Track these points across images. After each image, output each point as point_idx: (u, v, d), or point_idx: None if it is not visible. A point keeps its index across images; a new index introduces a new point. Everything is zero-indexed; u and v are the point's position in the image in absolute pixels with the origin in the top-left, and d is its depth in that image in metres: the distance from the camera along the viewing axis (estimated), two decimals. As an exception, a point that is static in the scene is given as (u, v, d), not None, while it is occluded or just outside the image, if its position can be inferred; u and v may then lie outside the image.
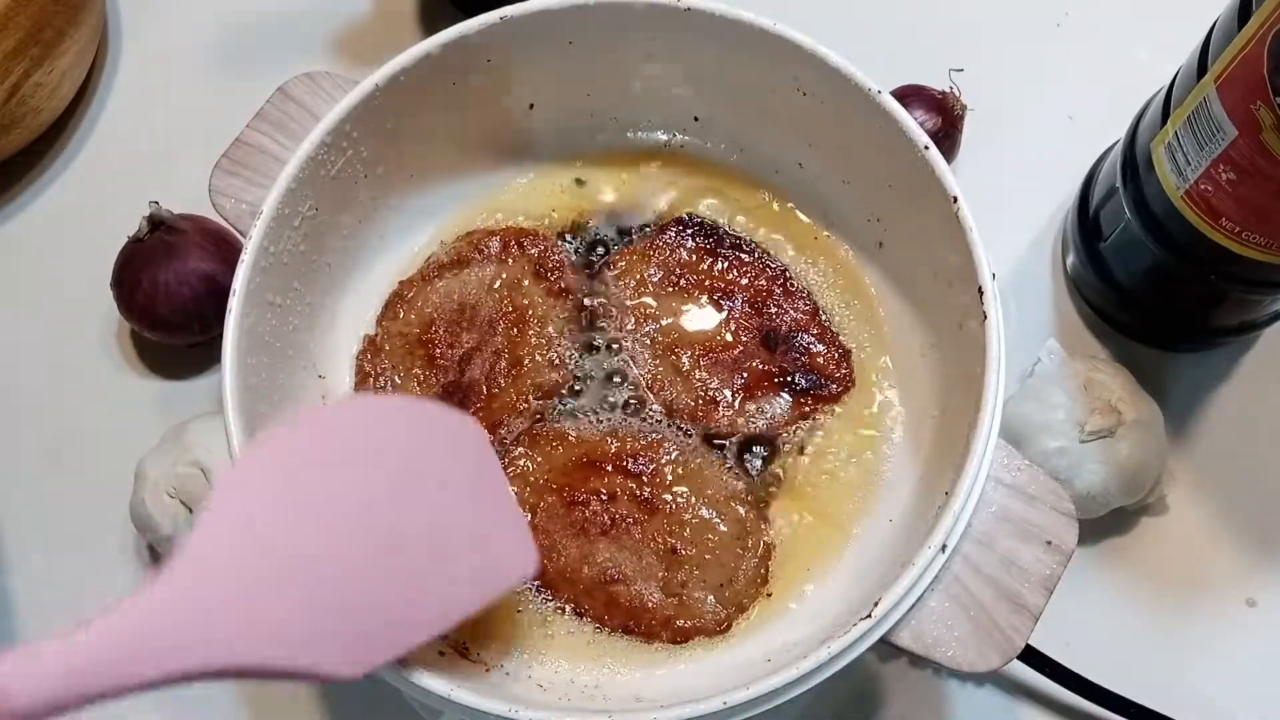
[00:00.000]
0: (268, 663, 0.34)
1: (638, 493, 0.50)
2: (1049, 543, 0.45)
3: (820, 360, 0.54)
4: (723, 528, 0.50)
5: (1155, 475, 0.55)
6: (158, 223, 0.58)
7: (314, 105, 0.53)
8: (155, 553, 0.58)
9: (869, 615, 0.41)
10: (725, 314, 0.54)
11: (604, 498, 0.50)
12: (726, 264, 0.55)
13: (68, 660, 0.31)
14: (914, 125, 0.48)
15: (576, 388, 0.54)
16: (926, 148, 0.48)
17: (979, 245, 0.46)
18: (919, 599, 0.43)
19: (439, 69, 0.51)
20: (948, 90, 0.64)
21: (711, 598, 0.49)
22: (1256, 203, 0.47)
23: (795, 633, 0.47)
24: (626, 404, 0.53)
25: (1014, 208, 0.64)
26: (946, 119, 0.62)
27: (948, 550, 0.42)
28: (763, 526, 0.50)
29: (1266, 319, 0.58)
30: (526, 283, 0.55)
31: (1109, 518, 0.56)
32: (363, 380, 0.54)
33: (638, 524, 0.50)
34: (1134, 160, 0.54)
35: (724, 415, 0.52)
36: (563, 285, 0.55)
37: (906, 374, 0.53)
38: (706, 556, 0.49)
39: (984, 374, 0.44)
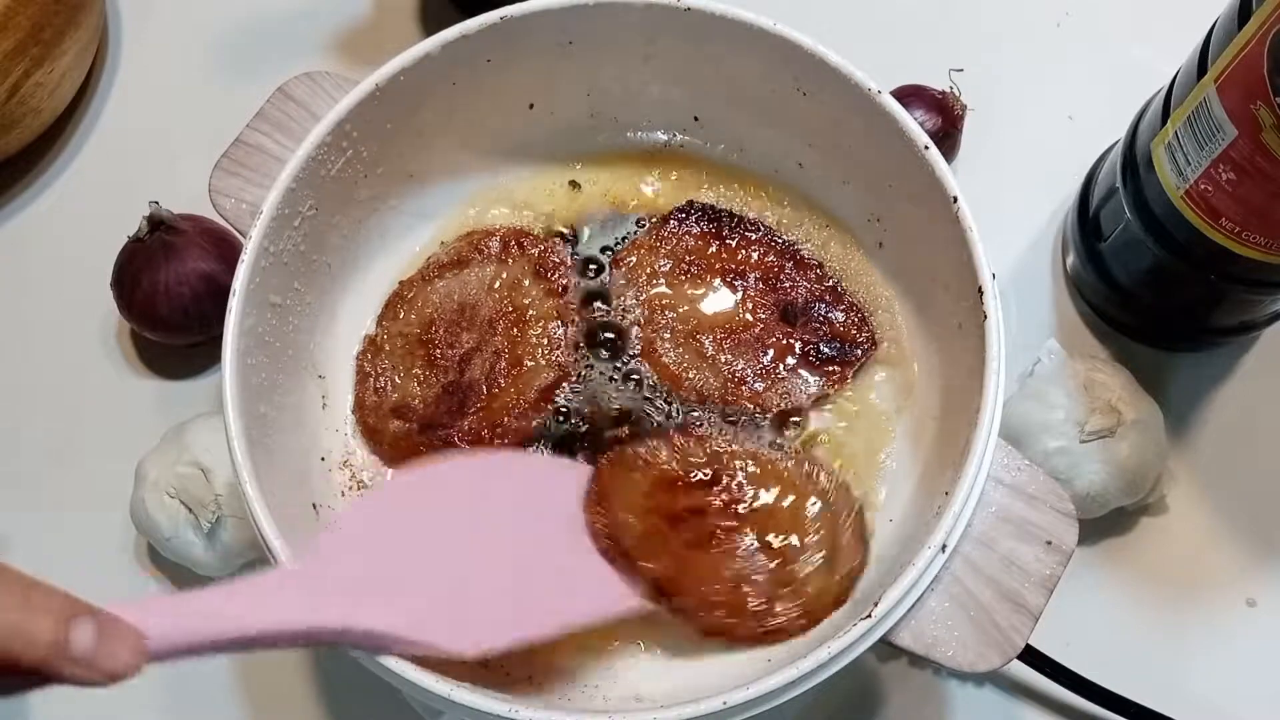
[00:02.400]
0: (390, 630, 0.40)
1: (724, 501, 0.49)
2: (1049, 543, 0.45)
3: (841, 327, 0.54)
4: (812, 508, 0.49)
5: (1155, 475, 0.55)
6: (158, 223, 0.58)
7: (314, 105, 0.53)
8: (155, 553, 0.58)
9: (869, 615, 0.41)
10: (741, 294, 0.55)
11: (698, 512, 0.49)
12: (735, 244, 0.56)
13: (214, 606, 0.36)
14: (914, 125, 0.48)
15: (581, 386, 0.54)
16: (926, 148, 0.48)
17: (979, 245, 0.46)
18: (919, 599, 0.43)
19: (439, 69, 0.51)
20: (948, 90, 0.64)
21: (823, 575, 0.48)
22: (1256, 203, 0.47)
23: (795, 633, 0.47)
24: (646, 393, 0.53)
25: (1014, 208, 0.64)
26: (946, 119, 0.62)
27: (948, 550, 0.42)
28: (849, 491, 0.50)
29: (1266, 319, 0.58)
30: (526, 283, 0.55)
31: (1109, 518, 0.56)
32: (363, 380, 0.54)
33: (736, 530, 0.49)
34: (1134, 160, 0.54)
35: (752, 394, 0.53)
36: (563, 285, 0.55)
37: (906, 375, 0.53)
38: (806, 538, 0.48)
39: (984, 374, 0.44)
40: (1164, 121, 0.51)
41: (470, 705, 0.41)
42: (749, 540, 0.48)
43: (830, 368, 0.53)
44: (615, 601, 0.46)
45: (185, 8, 0.72)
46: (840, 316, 0.54)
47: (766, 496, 0.49)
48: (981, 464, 0.43)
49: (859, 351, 0.53)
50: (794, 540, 0.48)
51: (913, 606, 0.43)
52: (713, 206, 0.56)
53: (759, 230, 0.56)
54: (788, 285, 0.55)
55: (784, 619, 0.47)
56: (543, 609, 0.44)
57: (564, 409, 0.53)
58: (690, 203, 0.57)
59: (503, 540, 0.46)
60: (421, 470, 0.47)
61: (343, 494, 0.52)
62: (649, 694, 0.47)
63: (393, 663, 0.41)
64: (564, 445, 0.52)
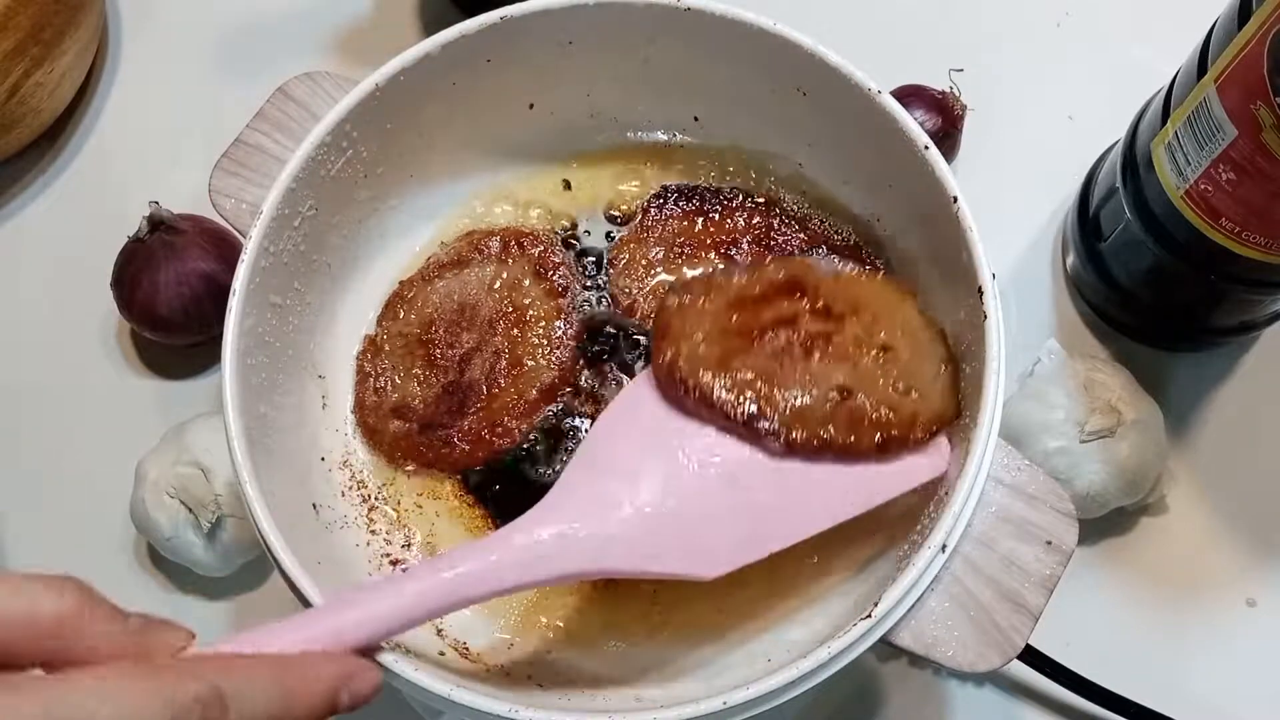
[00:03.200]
0: (639, 567, 0.42)
1: (814, 307, 0.45)
2: (1049, 543, 0.45)
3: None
4: (915, 324, 0.46)
5: (1155, 475, 0.55)
6: (158, 223, 0.58)
7: (314, 105, 0.53)
8: (155, 553, 0.58)
9: (869, 615, 0.41)
10: (738, 261, 0.55)
11: (788, 322, 0.45)
12: (719, 216, 0.56)
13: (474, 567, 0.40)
14: (914, 125, 0.48)
15: (585, 386, 0.54)
16: (926, 148, 0.48)
17: (979, 245, 0.46)
18: (919, 599, 0.43)
19: (439, 69, 0.51)
20: (948, 90, 0.64)
21: (938, 385, 0.45)
22: (1256, 203, 0.47)
23: (795, 633, 0.47)
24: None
25: (1014, 208, 0.64)
26: (946, 119, 0.62)
27: (948, 550, 0.42)
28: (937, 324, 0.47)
29: (1266, 319, 0.58)
30: (527, 283, 0.55)
31: (1109, 518, 0.56)
32: (363, 380, 0.54)
33: (835, 335, 0.45)
34: (1134, 160, 0.54)
35: None
36: (563, 285, 0.55)
37: (906, 374, 0.53)
38: (914, 350, 0.45)
39: (984, 374, 0.44)
40: (1164, 121, 0.51)
41: (470, 705, 0.41)
42: (852, 342, 0.44)
43: None
44: (841, 509, 0.43)
45: (185, 8, 0.72)
46: (836, 256, 0.54)
47: (862, 298, 0.46)
48: (981, 464, 0.43)
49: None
50: (902, 346, 0.45)
51: (913, 606, 0.43)
52: (687, 185, 0.57)
53: (737, 197, 0.56)
54: (781, 240, 0.55)
55: (909, 422, 0.44)
56: (772, 522, 0.43)
57: (568, 408, 0.53)
58: (665, 187, 0.57)
59: (704, 461, 0.44)
60: (613, 410, 0.46)
61: (342, 494, 0.52)
62: (649, 694, 0.47)
63: (392, 663, 0.41)
64: (569, 440, 0.52)
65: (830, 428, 0.43)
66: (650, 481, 0.43)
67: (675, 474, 0.43)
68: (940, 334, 0.46)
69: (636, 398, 0.45)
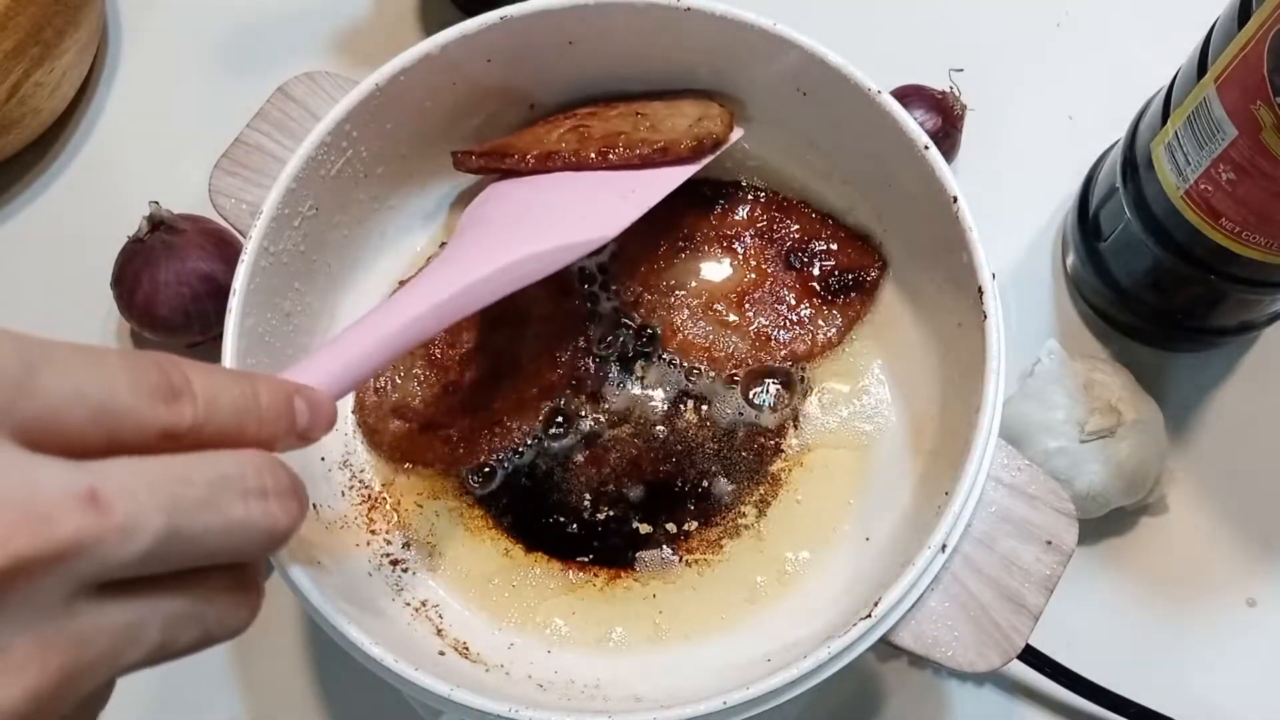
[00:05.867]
0: (538, 249, 0.47)
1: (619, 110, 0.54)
2: (1049, 543, 0.45)
3: (845, 256, 0.55)
4: (688, 108, 0.53)
5: (1155, 475, 0.55)
6: (158, 223, 0.58)
7: (314, 105, 0.53)
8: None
9: (869, 615, 0.41)
10: (741, 254, 0.55)
11: (591, 114, 0.55)
12: (719, 208, 0.56)
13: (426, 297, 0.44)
14: (914, 125, 0.48)
15: (587, 383, 0.54)
16: (926, 148, 0.48)
17: (979, 245, 0.46)
18: (919, 599, 0.43)
19: (439, 69, 0.51)
20: (948, 90, 0.64)
21: (685, 124, 0.52)
22: (1256, 203, 0.47)
23: (795, 633, 0.47)
24: (652, 380, 0.54)
25: (1014, 208, 0.64)
26: (946, 119, 0.62)
27: (948, 550, 0.42)
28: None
29: (1266, 319, 0.58)
30: (526, 282, 0.55)
31: (1109, 518, 0.56)
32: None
33: (620, 113, 0.54)
34: (1134, 160, 0.54)
35: (783, 347, 0.54)
36: (563, 283, 0.55)
37: (906, 374, 0.53)
38: (665, 116, 0.53)
39: (984, 374, 0.44)
40: (1164, 121, 0.51)
41: (470, 705, 0.41)
42: (616, 115, 0.54)
43: (846, 300, 0.54)
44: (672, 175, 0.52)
45: (185, 8, 0.72)
46: (838, 247, 0.55)
47: (648, 107, 0.54)
48: (981, 464, 0.43)
49: (870, 275, 0.54)
50: (659, 109, 0.54)
51: (913, 606, 0.43)
52: (689, 179, 0.57)
53: (737, 189, 0.56)
54: (782, 232, 0.55)
55: (633, 142, 0.51)
56: (639, 195, 0.51)
57: (569, 407, 0.53)
58: None
59: (575, 191, 0.52)
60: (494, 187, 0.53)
61: (342, 494, 0.52)
62: (649, 694, 0.47)
63: (392, 662, 0.41)
64: (571, 438, 0.53)
65: (602, 148, 0.52)
66: (531, 211, 0.50)
67: (548, 200, 0.51)
68: (725, 113, 0.54)
69: (487, 199, 0.53)
